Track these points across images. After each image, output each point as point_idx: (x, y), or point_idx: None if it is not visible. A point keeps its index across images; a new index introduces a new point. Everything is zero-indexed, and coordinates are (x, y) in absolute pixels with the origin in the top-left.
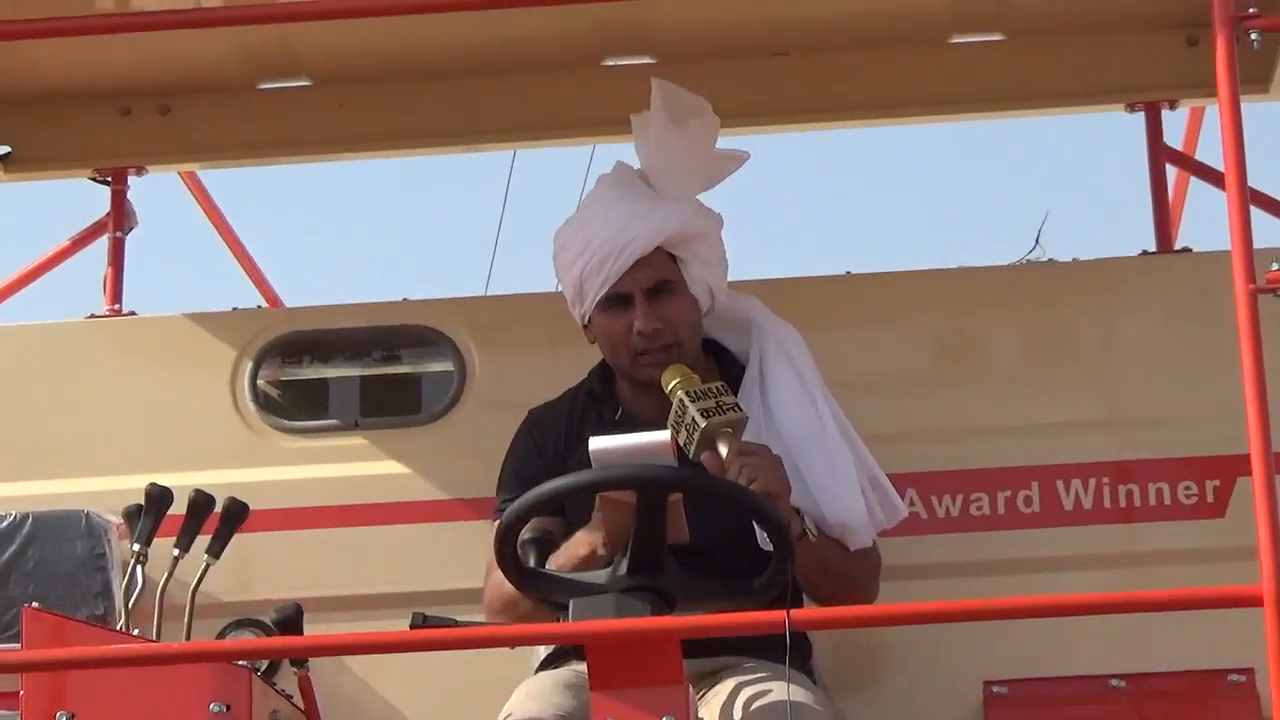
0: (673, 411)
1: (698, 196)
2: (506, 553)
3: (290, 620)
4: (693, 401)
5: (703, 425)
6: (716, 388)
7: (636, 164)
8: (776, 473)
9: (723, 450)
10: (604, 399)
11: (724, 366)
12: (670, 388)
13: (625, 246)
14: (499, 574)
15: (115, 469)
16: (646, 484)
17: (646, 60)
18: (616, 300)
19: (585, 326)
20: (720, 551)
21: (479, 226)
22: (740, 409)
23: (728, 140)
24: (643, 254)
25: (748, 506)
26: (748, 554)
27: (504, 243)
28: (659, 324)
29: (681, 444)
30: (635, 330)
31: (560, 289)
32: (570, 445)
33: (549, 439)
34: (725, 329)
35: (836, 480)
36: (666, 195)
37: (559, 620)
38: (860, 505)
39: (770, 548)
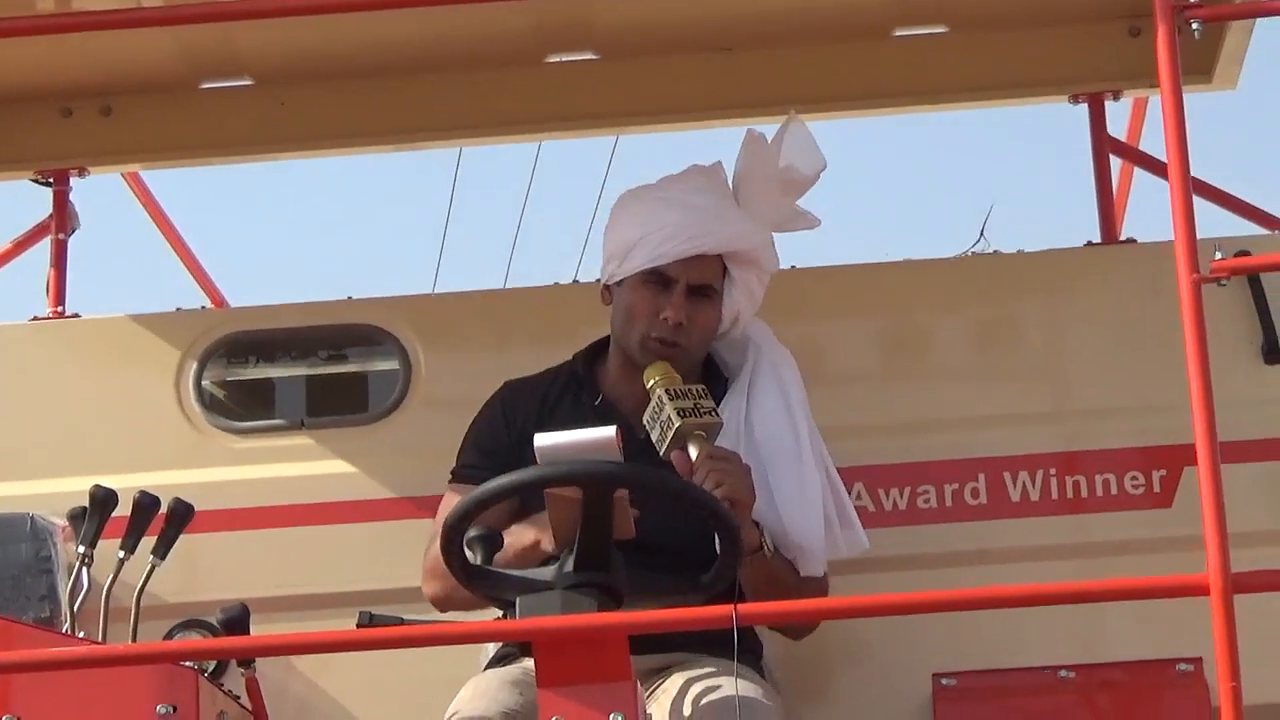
0: (650, 407)
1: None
2: (453, 550)
3: (237, 620)
4: (671, 400)
5: (677, 424)
6: (697, 390)
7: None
8: (744, 481)
9: (693, 452)
10: (585, 383)
11: (708, 377)
12: (651, 384)
13: (699, 235)
14: (439, 542)
15: (60, 471)
16: (591, 480)
17: (589, 56)
18: (658, 279)
19: (606, 288)
20: (669, 547)
21: (426, 225)
22: (717, 414)
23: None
24: (710, 250)
25: (692, 501)
26: (697, 550)
27: (451, 241)
28: (684, 321)
29: (654, 440)
30: (662, 315)
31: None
32: (541, 423)
33: (519, 413)
34: (723, 344)
35: (802, 501)
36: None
37: (506, 617)
38: (820, 530)
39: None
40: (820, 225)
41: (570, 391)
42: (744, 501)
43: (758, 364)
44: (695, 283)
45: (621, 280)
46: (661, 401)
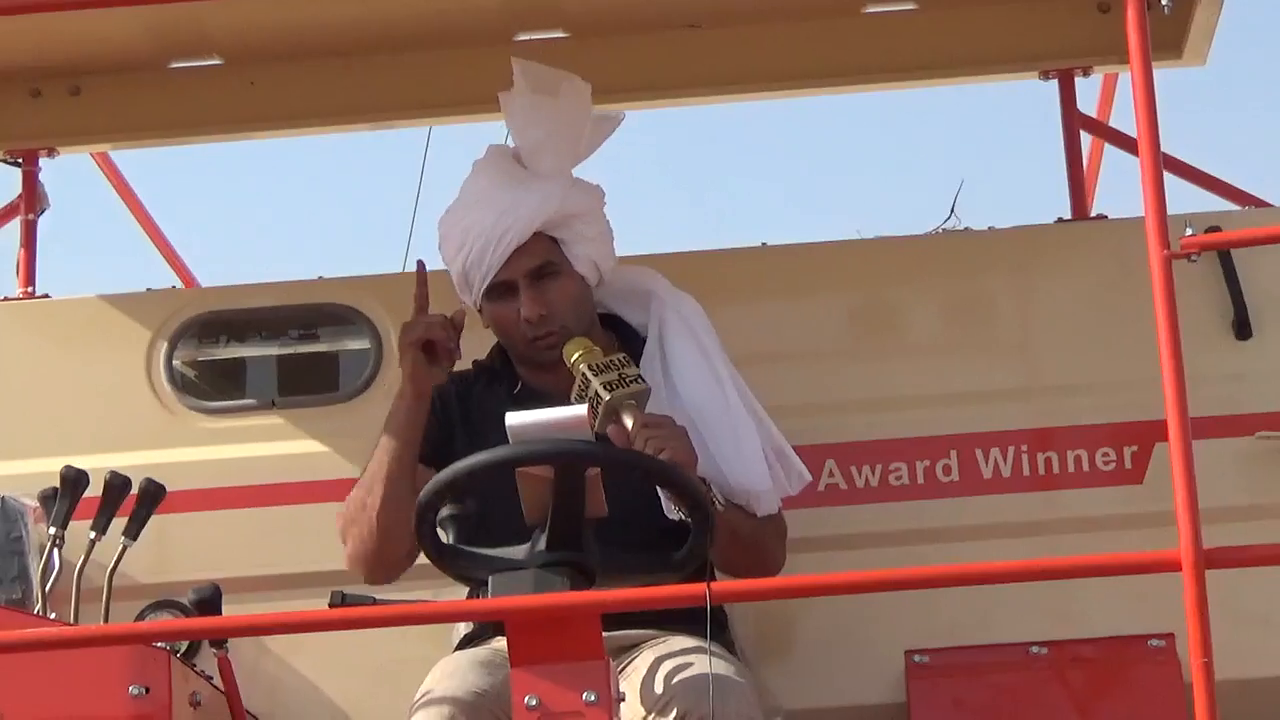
0: (576, 385)
1: (574, 171)
2: (425, 530)
3: (208, 601)
4: (595, 375)
5: (606, 398)
6: (619, 359)
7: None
8: (682, 442)
9: (628, 422)
10: (503, 374)
11: (623, 340)
12: (573, 361)
13: (503, 236)
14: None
15: (30, 452)
16: (565, 459)
17: (559, 35)
18: (502, 289)
19: (480, 311)
20: (637, 523)
21: (397, 204)
22: (643, 380)
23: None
24: (521, 242)
25: (669, 480)
26: (665, 525)
27: (421, 220)
28: (544, 310)
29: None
30: (522, 318)
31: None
32: (465, 418)
33: (447, 407)
34: (623, 302)
35: (740, 447)
36: (540, 173)
37: (478, 596)
38: (764, 471)
39: (676, 518)
40: (624, 118)
41: (493, 384)
42: (687, 463)
43: (664, 319)
44: (532, 269)
45: (480, 305)
46: (587, 379)
